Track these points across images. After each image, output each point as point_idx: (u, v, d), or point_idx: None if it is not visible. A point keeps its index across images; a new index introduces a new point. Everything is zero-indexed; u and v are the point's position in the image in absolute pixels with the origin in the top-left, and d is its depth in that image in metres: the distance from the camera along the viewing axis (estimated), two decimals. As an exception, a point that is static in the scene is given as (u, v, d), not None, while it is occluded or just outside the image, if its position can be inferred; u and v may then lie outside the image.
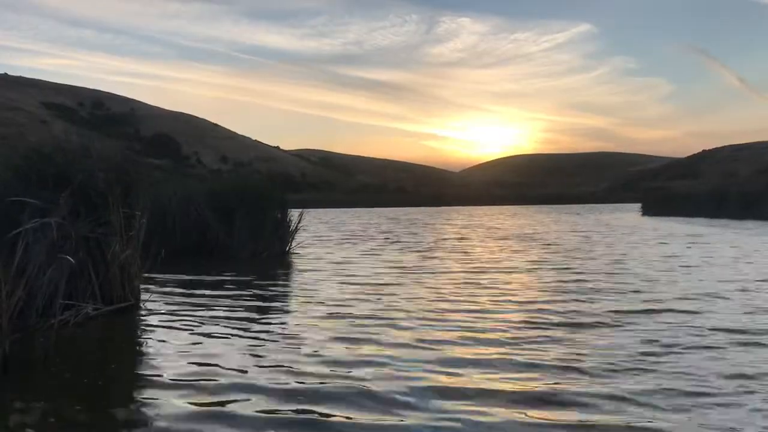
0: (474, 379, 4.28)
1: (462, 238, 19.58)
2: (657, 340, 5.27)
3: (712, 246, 15.00)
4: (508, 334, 5.60)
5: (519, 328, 5.85)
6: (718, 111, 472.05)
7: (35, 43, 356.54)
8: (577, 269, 10.46)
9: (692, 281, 8.90)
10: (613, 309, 6.69)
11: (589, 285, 8.58)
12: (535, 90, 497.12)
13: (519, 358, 4.74)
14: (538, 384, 4.15)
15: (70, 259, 6.17)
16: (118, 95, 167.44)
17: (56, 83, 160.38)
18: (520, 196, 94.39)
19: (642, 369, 4.44)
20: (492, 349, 5.07)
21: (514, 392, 3.99)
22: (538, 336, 5.50)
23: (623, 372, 4.38)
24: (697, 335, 5.46)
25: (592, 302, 7.21)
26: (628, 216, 37.88)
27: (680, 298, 7.36)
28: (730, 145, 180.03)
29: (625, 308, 6.75)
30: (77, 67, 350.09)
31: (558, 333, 5.63)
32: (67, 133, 7.82)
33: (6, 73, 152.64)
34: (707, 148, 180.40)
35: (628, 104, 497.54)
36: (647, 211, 40.69)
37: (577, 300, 7.38)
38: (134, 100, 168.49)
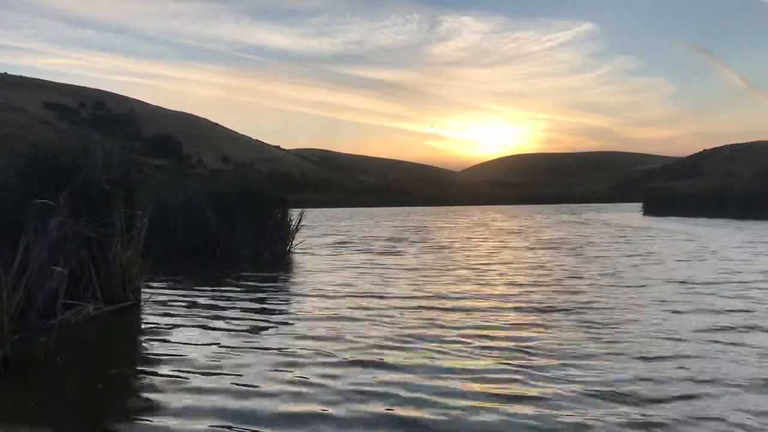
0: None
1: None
2: None
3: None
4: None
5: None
6: (720, 111, 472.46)
7: (35, 42, 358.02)
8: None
9: None
10: None
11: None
12: (537, 89, 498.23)
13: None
14: None
15: (64, 271, 6.11)
16: (119, 95, 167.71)
17: (57, 83, 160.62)
18: (522, 196, 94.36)
19: None
20: None
21: None
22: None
23: None
24: None
25: None
26: (631, 216, 37.77)
27: None
28: (732, 145, 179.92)
29: None
30: (78, 66, 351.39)
31: None
32: (69, 132, 7.81)
33: (6, 73, 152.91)
34: (708, 148, 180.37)
35: (630, 104, 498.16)
36: (649, 211, 40.68)
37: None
38: (135, 100, 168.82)
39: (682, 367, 4.50)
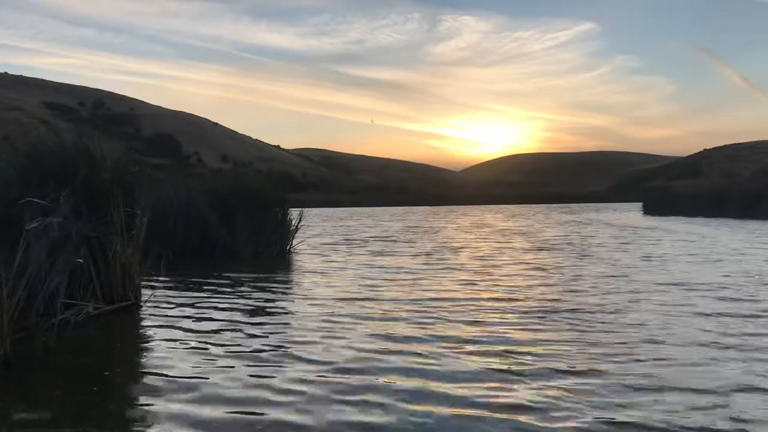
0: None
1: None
2: None
3: None
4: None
5: None
6: (720, 110, 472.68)
7: (35, 42, 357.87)
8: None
9: None
10: None
11: None
12: (537, 89, 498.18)
13: None
14: None
15: (78, 260, 6.16)
16: (119, 95, 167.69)
17: (57, 83, 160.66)
18: (522, 196, 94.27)
19: None
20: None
21: None
22: None
23: None
24: None
25: None
26: (631, 216, 37.77)
27: None
28: (732, 144, 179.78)
29: None
30: (78, 66, 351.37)
31: None
32: (69, 131, 7.81)
33: (6, 72, 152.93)
34: (708, 148, 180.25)
35: (630, 103, 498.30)
36: (649, 211, 40.74)
37: None
38: (135, 99, 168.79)
39: (697, 377, 4.36)
